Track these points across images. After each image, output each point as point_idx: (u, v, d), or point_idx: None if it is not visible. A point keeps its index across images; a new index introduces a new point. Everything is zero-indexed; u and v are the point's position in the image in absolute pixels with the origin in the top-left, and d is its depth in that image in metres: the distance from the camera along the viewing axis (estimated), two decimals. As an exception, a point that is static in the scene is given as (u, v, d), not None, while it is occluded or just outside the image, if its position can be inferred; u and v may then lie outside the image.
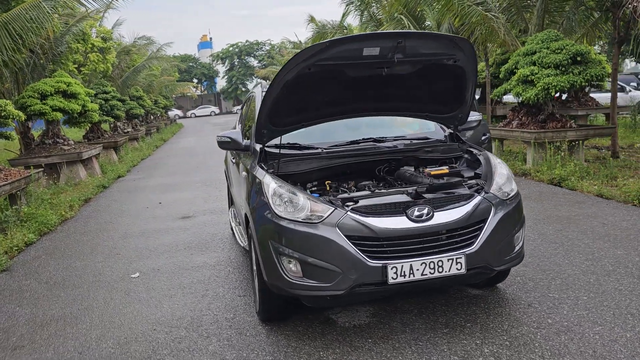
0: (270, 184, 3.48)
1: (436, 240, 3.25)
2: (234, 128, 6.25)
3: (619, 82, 17.22)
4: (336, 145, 4.06)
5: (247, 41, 68.89)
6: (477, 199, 3.38)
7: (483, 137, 4.33)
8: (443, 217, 3.26)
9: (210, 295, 4.49)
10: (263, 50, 69.54)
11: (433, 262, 3.20)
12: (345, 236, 3.17)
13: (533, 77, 9.43)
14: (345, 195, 3.47)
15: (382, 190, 3.52)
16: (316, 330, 3.67)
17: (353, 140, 4.14)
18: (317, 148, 4.02)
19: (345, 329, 3.65)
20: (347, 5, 23.25)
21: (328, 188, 3.81)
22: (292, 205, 3.32)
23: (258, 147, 4.07)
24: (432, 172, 3.81)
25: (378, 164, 4.02)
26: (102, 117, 16.35)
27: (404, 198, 3.39)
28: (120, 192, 10.67)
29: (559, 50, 9.41)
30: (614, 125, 9.82)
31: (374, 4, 22.01)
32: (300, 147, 4.05)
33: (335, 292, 3.20)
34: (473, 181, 3.65)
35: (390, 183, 3.85)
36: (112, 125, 19.14)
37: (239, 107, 64.97)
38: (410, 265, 3.18)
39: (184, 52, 66.91)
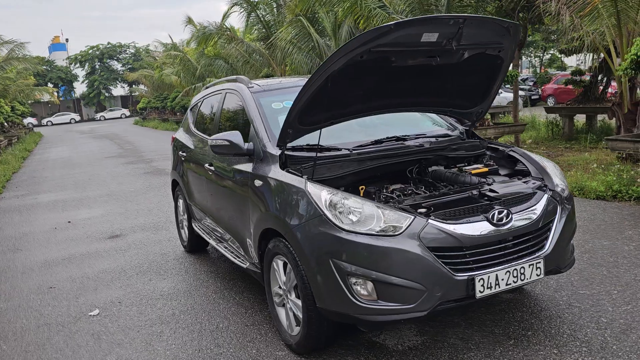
0: (322, 193, 2.94)
1: (516, 245, 2.95)
2: (187, 131, 5.47)
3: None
4: (361, 146, 3.60)
5: (109, 43, 64.19)
6: (545, 197, 3.15)
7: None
8: (520, 218, 2.98)
9: (208, 329, 3.76)
10: (127, 53, 65.37)
11: (516, 269, 2.90)
12: (428, 247, 2.75)
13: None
14: (411, 200, 3.04)
15: (449, 193, 3.14)
16: (370, 358, 3.18)
17: (377, 139, 3.71)
18: (340, 149, 3.53)
19: (402, 353, 3.20)
20: (231, 6, 22.48)
21: (362, 193, 3.34)
22: (356, 215, 2.82)
23: (275, 150, 3.47)
24: (473, 171, 3.53)
25: (407, 164, 3.64)
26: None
27: (472, 200, 3.05)
28: (7, 212, 9.03)
29: (475, 52, 9.77)
30: (524, 123, 10.47)
31: (261, 6, 21.55)
32: (322, 149, 3.52)
33: (417, 313, 2.76)
34: (529, 178, 3.42)
35: (432, 185, 3.48)
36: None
37: (102, 113, 60.45)
38: (496, 275, 2.84)
39: (35, 54, 60.42)
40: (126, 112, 61.68)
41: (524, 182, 3.34)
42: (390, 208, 2.85)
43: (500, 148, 3.88)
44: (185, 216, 5.55)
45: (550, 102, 24.07)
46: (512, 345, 3.18)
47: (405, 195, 3.25)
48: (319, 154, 3.42)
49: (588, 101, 12.66)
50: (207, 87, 5.55)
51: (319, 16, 17.47)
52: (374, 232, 2.75)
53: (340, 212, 2.86)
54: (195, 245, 5.56)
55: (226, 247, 4.33)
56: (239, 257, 4.04)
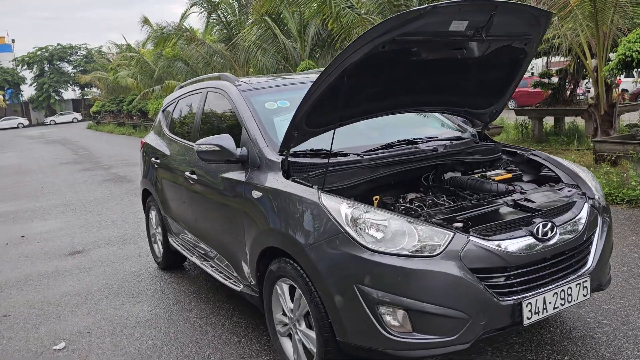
0: (341, 206, 2.50)
1: (562, 262, 2.60)
2: (160, 135, 4.93)
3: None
4: (371, 151, 3.19)
5: (58, 44, 61.59)
6: (587, 206, 2.82)
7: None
8: (564, 231, 2.63)
9: (198, 363, 3.27)
10: (79, 55, 62.95)
11: (563, 290, 2.55)
12: (470, 269, 2.36)
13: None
14: (441, 214, 2.64)
15: (481, 204, 2.76)
16: (393, 395, 2.76)
17: (387, 143, 3.30)
18: (348, 154, 3.10)
19: (429, 388, 2.80)
20: (191, 6, 21.74)
21: (375, 204, 2.93)
22: (383, 232, 2.40)
23: (275, 156, 3.02)
24: (497, 178, 3.17)
25: (422, 171, 3.25)
26: None
27: (511, 212, 2.68)
28: (-50, 226, 8.17)
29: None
30: (501, 126, 10.32)
31: (222, 6, 20.91)
32: (328, 154, 3.09)
33: (459, 346, 2.36)
34: (562, 185, 3.08)
35: (453, 194, 3.10)
36: None
37: (53, 117, 57.85)
38: (544, 298, 2.48)
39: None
40: (78, 116, 59.36)
41: (558, 189, 3.00)
42: (424, 223, 2.44)
43: (519, 152, 3.55)
44: (159, 230, 5.00)
45: (511, 105, 24.36)
46: (551, 374, 2.83)
47: (427, 206, 2.86)
48: (321, 161, 2.99)
49: (556, 103, 12.68)
50: (181, 87, 5.03)
51: (283, 17, 17.02)
52: (407, 252, 2.34)
53: (362, 229, 2.43)
54: (171, 262, 5.01)
55: (213, 267, 3.83)
56: (230, 278, 3.55)
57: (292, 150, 3.02)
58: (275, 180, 2.92)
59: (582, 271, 2.67)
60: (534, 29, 2.97)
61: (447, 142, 3.46)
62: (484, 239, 2.42)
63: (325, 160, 2.99)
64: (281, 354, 3.02)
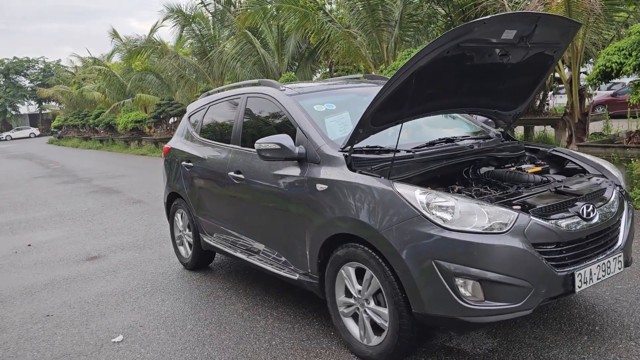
0: (415, 193, 2.83)
1: (601, 239, 3.00)
2: (190, 140, 5.14)
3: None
4: (418, 147, 3.53)
5: (15, 58, 60.04)
6: (616, 191, 3.24)
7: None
8: (602, 212, 3.03)
9: (262, 347, 3.49)
10: (36, 69, 61.42)
11: (604, 263, 2.95)
12: (532, 244, 2.72)
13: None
14: (494, 198, 3.00)
15: (530, 191, 3.13)
16: (455, 363, 3.08)
17: (431, 141, 3.65)
18: (399, 150, 3.43)
19: (484, 356, 3.12)
20: (164, 19, 21.84)
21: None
22: (455, 214, 2.73)
23: (337, 153, 3.32)
24: (529, 171, 3.57)
25: (462, 166, 3.62)
26: None
27: (555, 197, 3.06)
28: (-56, 238, 8.04)
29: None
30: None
31: (197, 20, 21.08)
32: (380, 151, 3.42)
33: (524, 312, 2.71)
34: (590, 174, 3.50)
35: (496, 185, 3.47)
36: None
37: (9, 133, 56.00)
38: (590, 269, 2.87)
39: None
40: (36, 131, 57.76)
41: (588, 178, 3.41)
42: (491, 205, 2.79)
43: (541, 149, 3.96)
44: (187, 231, 5.19)
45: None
46: (588, 341, 3.20)
47: (475, 196, 3.21)
48: (384, 155, 3.32)
49: (527, 113, 13.46)
50: (208, 94, 5.27)
51: (261, 30, 17.35)
52: (480, 230, 2.68)
53: (436, 212, 2.76)
54: (201, 262, 5.20)
55: (261, 260, 4.07)
56: (284, 269, 3.80)
57: (342, 147, 3.34)
58: (342, 174, 3.22)
59: (615, 247, 3.08)
60: (564, 38, 3.40)
61: (481, 140, 3.84)
62: (542, 218, 2.79)
63: (382, 155, 3.33)
64: (346, 333, 3.29)
